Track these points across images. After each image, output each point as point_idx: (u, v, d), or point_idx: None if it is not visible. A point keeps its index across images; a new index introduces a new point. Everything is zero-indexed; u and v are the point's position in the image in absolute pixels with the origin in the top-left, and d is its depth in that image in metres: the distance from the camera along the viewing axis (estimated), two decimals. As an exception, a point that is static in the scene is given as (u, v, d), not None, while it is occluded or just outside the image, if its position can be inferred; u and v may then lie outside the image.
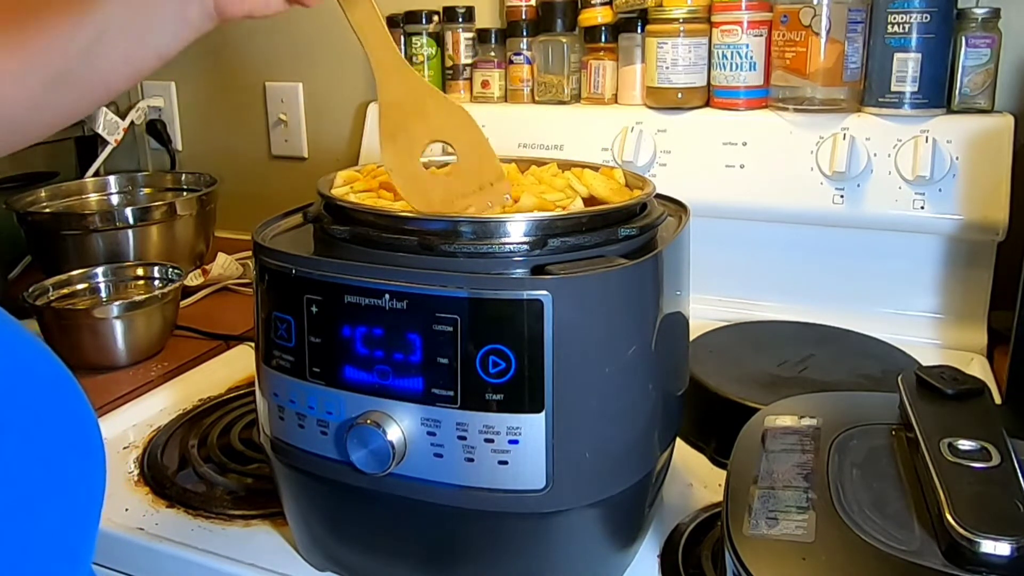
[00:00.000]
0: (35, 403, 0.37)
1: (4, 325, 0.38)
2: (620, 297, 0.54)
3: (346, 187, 0.66)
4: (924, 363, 0.69)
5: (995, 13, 0.93)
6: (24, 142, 0.59)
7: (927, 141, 0.93)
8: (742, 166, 1.02)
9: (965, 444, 0.49)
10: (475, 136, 0.65)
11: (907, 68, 0.93)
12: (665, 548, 0.64)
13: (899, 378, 0.58)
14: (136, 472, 0.77)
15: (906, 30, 0.92)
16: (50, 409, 0.38)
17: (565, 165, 0.72)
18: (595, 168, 0.70)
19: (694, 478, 0.73)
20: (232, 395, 0.90)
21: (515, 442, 0.52)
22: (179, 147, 1.54)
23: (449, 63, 1.20)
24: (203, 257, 1.28)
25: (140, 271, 1.10)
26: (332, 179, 0.67)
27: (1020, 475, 0.47)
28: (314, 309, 0.55)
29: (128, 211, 1.18)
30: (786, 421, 0.58)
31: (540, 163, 0.73)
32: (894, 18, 0.92)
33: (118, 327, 0.95)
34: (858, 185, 0.97)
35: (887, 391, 0.60)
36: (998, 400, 0.79)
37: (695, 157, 1.04)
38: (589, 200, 0.66)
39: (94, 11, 0.55)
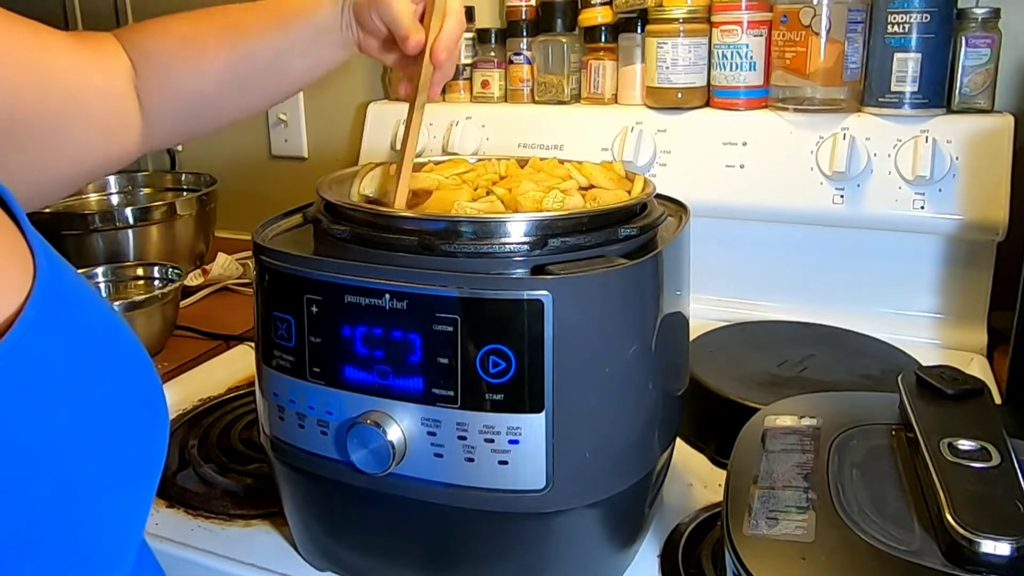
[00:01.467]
0: (122, 372, 0.41)
1: (97, 302, 0.41)
2: (620, 297, 0.54)
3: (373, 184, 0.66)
4: (924, 363, 0.69)
5: (995, 13, 0.93)
6: (202, 131, 0.71)
7: (927, 141, 0.93)
8: (742, 166, 1.02)
9: (965, 444, 0.49)
10: None
11: (907, 68, 0.93)
12: (665, 548, 0.64)
13: (899, 378, 0.58)
14: (136, 472, 0.77)
15: (906, 30, 0.92)
16: (132, 378, 0.41)
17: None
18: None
19: (694, 478, 0.73)
20: (232, 395, 0.90)
21: (515, 442, 0.52)
22: (179, 147, 1.54)
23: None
24: (203, 257, 1.28)
25: (140, 271, 1.10)
26: (331, 179, 0.67)
27: (1020, 475, 0.47)
28: (314, 309, 0.55)
29: (128, 211, 1.18)
30: (786, 421, 0.58)
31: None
32: (894, 18, 0.92)
33: (118, 327, 0.94)
34: (858, 185, 0.97)
35: (887, 391, 0.60)
36: (998, 400, 0.79)
37: (695, 157, 1.04)
38: (589, 190, 0.66)
39: (287, 29, 0.67)
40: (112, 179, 1.37)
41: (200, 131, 0.71)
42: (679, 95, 1.04)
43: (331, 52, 0.70)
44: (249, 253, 0.88)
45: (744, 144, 1.02)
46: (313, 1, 0.68)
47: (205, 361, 0.99)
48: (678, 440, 0.69)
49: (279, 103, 0.74)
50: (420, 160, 0.75)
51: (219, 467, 0.76)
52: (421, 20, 0.66)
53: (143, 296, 1.00)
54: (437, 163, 0.73)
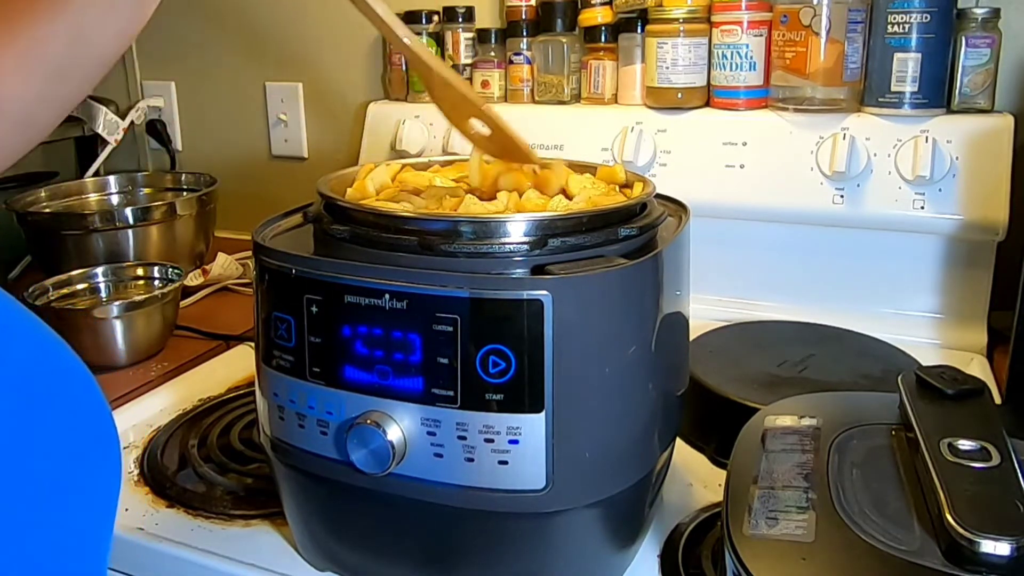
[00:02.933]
0: (55, 396, 0.38)
1: (24, 320, 0.38)
2: (620, 297, 0.54)
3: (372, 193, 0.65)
4: (924, 363, 0.69)
5: (995, 13, 0.93)
6: (38, 136, 0.60)
7: (927, 141, 0.93)
8: (742, 166, 1.02)
9: (965, 444, 0.49)
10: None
11: (907, 68, 0.93)
12: (665, 548, 0.64)
13: (899, 378, 0.58)
14: (136, 472, 0.77)
15: (906, 30, 0.92)
16: (67, 402, 0.39)
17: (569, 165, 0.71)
18: (593, 168, 0.70)
19: (694, 478, 0.73)
20: (232, 395, 0.90)
21: (515, 442, 0.52)
22: (179, 147, 1.54)
23: (449, 63, 1.20)
24: (203, 257, 1.28)
25: (140, 271, 1.10)
26: (331, 179, 0.67)
27: (1020, 475, 0.47)
28: (314, 309, 0.55)
29: (128, 211, 1.18)
30: (786, 421, 0.58)
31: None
32: (894, 18, 0.92)
33: (118, 327, 0.95)
34: (858, 185, 0.97)
35: (887, 391, 0.60)
36: (998, 400, 0.79)
37: (695, 157, 1.04)
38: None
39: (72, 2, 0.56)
40: (112, 179, 1.37)
41: (29, 142, 0.61)
42: (679, 95, 1.04)
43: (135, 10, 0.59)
44: (249, 253, 0.88)
45: (744, 144, 1.02)
46: None
47: (205, 361, 0.99)
48: (678, 440, 0.69)
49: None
50: (422, 160, 0.75)
51: (219, 467, 0.76)
52: None
53: (143, 296, 1.00)
54: (443, 164, 0.73)
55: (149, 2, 0.59)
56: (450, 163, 0.73)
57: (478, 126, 0.65)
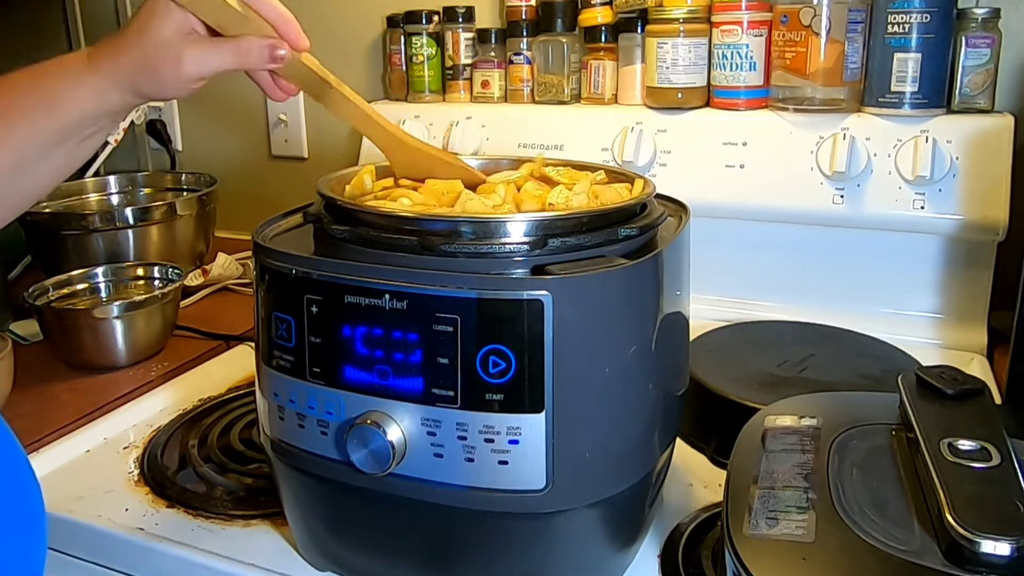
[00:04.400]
0: None
1: None
2: (620, 297, 0.54)
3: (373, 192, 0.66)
4: (924, 363, 0.69)
5: (995, 13, 0.93)
6: None
7: (927, 141, 0.93)
8: (742, 166, 1.02)
9: (965, 444, 0.49)
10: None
11: (907, 68, 0.93)
12: (665, 548, 0.64)
13: (899, 378, 0.58)
14: (136, 472, 0.77)
15: (906, 30, 0.92)
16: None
17: (574, 164, 0.71)
18: (592, 168, 0.70)
19: (694, 478, 0.73)
20: (232, 395, 0.90)
21: (515, 442, 0.52)
22: (179, 147, 1.54)
23: (449, 63, 1.20)
24: (203, 257, 1.28)
25: (140, 271, 1.10)
26: (332, 179, 0.67)
27: (1020, 475, 0.47)
28: (314, 309, 0.55)
29: (128, 211, 1.18)
30: (786, 421, 0.58)
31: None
32: (894, 18, 0.92)
33: (118, 327, 0.95)
34: (858, 185, 0.97)
35: (887, 391, 0.60)
36: (998, 400, 0.79)
37: (695, 157, 1.04)
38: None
39: (11, 142, 0.54)
40: (112, 179, 1.37)
41: None
42: (679, 95, 1.04)
43: (90, 144, 0.58)
44: (249, 253, 0.88)
45: (744, 144, 1.02)
46: (50, 93, 0.54)
47: (205, 361, 0.99)
48: (678, 440, 0.69)
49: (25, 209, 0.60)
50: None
51: (219, 467, 0.76)
52: (217, 33, 0.61)
53: (143, 296, 1.00)
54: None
55: (88, 149, 0.58)
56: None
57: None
